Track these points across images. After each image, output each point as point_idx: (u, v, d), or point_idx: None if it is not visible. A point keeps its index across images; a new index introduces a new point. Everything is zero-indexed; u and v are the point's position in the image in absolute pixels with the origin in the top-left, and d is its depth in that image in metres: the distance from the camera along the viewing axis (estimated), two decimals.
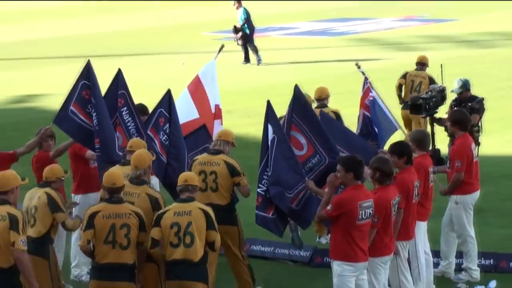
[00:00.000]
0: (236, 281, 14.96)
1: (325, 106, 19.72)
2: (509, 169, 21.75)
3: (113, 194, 12.73)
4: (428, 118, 21.14)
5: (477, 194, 15.56)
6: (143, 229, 12.70)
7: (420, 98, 21.30)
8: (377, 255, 12.75)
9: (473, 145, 15.83)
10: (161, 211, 12.78)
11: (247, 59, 39.51)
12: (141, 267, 13.00)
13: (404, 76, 24.26)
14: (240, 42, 39.59)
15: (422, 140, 14.74)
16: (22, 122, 21.69)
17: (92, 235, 12.52)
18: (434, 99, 20.93)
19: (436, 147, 20.60)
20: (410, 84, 23.27)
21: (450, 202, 15.38)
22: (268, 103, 14.71)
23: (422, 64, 24.51)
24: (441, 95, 21.20)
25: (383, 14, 56.48)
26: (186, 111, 18.00)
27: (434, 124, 20.97)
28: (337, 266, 12.44)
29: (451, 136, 16.39)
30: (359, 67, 19.17)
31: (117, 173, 13.21)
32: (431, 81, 23.08)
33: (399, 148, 13.84)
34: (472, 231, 15.33)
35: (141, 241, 12.66)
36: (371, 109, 17.54)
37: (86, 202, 15.49)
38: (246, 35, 39.79)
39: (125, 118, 16.32)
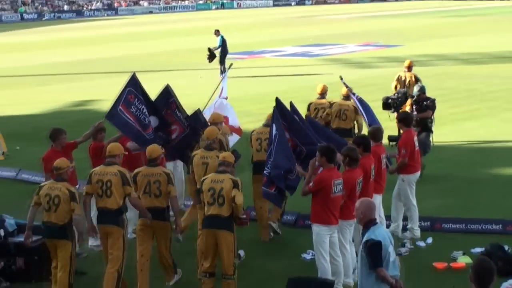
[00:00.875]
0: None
1: (324, 98, 20.19)
2: (443, 154, 21.45)
3: (150, 162, 13.52)
4: (395, 112, 21.02)
5: (417, 174, 15.69)
6: (170, 183, 13.38)
7: (389, 98, 21.78)
8: (345, 219, 13.03)
9: (415, 137, 16.04)
10: (203, 178, 13.19)
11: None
12: (177, 213, 13.59)
13: (398, 78, 24.09)
14: (208, 60, 39.47)
15: (376, 133, 15.10)
16: (81, 120, 21.70)
17: (135, 188, 13.21)
18: (399, 99, 21.61)
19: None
20: (402, 82, 23.31)
21: (398, 179, 15.53)
22: (274, 108, 15.21)
23: (409, 67, 24.23)
24: (404, 96, 21.79)
25: (348, 41, 56.20)
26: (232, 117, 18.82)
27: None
28: (316, 227, 12.76)
29: (398, 131, 16.54)
30: (341, 79, 19.95)
31: (154, 148, 13.78)
32: (416, 78, 23.05)
33: (359, 140, 14.34)
34: (414, 201, 15.50)
35: (169, 191, 13.28)
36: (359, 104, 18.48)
37: None
38: (214, 56, 39.61)
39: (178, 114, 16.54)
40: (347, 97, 20.07)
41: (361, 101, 18.82)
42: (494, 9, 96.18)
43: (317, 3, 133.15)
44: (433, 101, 20.75)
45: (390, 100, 21.75)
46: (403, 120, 16.21)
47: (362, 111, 18.32)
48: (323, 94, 20.35)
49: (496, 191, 18.61)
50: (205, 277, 12.99)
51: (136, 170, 13.73)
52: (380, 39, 55.12)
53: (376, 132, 15.24)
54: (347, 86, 19.89)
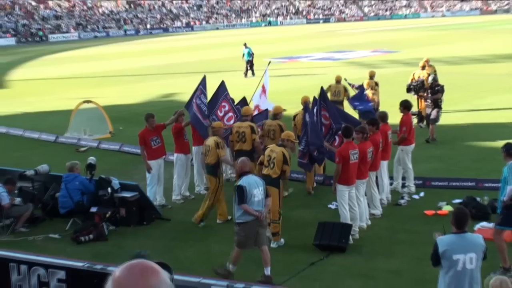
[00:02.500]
0: None
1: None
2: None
3: (242, 117, 15.14)
4: (416, 95, 22.89)
5: (413, 146, 15.47)
6: (253, 132, 14.66)
7: (411, 85, 22.89)
8: (359, 178, 12.90)
9: (413, 118, 16.07)
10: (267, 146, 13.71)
11: (245, 75, 38.37)
12: (260, 153, 14.01)
13: (413, 74, 23.88)
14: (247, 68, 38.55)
15: (383, 116, 14.97)
16: (166, 107, 21.74)
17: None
18: (418, 86, 22.68)
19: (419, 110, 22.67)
20: (417, 78, 23.30)
21: (398, 149, 15.36)
22: (306, 103, 15.51)
23: (423, 66, 23.67)
24: (422, 83, 22.55)
25: (361, 48, 55.92)
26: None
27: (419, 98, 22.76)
28: (339, 186, 12.64)
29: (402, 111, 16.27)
30: (345, 80, 20.43)
31: (247, 108, 15.85)
32: (429, 76, 22.71)
33: (371, 121, 14.16)
34: (410, 165, 15.33)
35: (253, 138, 14.60)
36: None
37: (179, 158, 15.65)
38: (251, 63, 38.79)
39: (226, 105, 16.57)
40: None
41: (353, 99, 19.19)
42: (466, 24, 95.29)
43: (338, 20, 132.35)
44: (442, 86, 21.32)
45: (412, 86, 22.94)
46: (404, 106, 16.04)
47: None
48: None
49: (470, 158, 18.45)
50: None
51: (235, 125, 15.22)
52: (385, 46, 54.65)
53: (384, 115, 15.07)
54: (350, 84, 20.85)
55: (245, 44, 39.70)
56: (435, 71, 24.06)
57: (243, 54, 39.71)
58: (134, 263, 2.62)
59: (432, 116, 20.87)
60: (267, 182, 11.90)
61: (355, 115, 18.52)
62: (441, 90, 21.19)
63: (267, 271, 10.85)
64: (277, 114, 15.87)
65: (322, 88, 16.29)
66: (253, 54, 39.32)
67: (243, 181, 10.94)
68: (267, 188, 11.54)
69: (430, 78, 22.09)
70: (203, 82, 16.12)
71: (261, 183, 11.12)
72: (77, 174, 14.39)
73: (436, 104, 21.00)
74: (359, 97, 20.31)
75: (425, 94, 21.76)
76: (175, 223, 14.15)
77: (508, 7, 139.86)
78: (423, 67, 23.73)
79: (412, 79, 23.55)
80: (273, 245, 12.57)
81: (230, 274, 10.83)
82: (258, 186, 10.97)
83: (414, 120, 18.46)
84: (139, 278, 2.56)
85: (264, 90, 18.95)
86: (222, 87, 16.84)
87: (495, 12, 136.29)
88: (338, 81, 22.69)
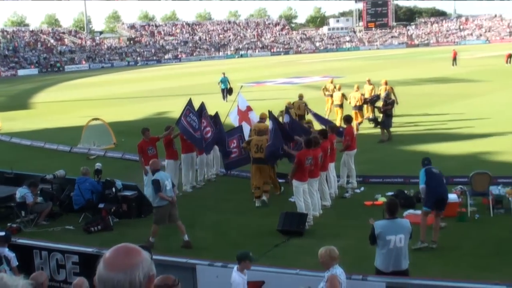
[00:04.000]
0: None
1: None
2: (372, 138, 21.27)
3: (259, 133, 15.02)
4: (372, 106, 24.01)
5: (355, 150, 15.55)
6: None
7: (368, 99, 24.11)
8: (312, 177, 12.98)
9: (354, 130, 16.10)
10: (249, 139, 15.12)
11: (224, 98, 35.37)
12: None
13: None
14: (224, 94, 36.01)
15: (333, 127, 15.20)
16: (159, 123, 21.50)
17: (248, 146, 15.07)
18: (373, 99, 23.81)
19: (376, 117, 23.00)
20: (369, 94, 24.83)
21: (343, 154, 15.43)
22: (270, 112, 15.32)
23: (386, 83, 24.93)
24: (377, 97, 23.71)
25: (314, 74, 56.20)
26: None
27: (375, 108, 23.38)
28: (295, 182, 12.72)
29: (345, 124, 16.39)
30: (306, 105, 20.55)
31: (263, 125, 15.88)
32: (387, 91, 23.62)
33: (322, 132, 14.32)
34: (353, 166, 15.45)
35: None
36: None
37: (169, 163, 15.80)
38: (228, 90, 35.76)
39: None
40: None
41: (315, 115, 18.66)
42: (395, 55, 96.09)
43: (296, 53, 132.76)
44: (392, 101, 22.16)
45: (368, 99, 24.03)
46: (346, 120, 16.16)
47: (317, 118, 18.21)
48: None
49: (400, 160, 18.54)
50: (257, 189, 14.57)
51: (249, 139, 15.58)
52: (332, 73, 55.00)
53: (332, 127, 15.19)
54: (306, 106, 21.01)
55: (223, 74, 38.09)
56: (391, 89, 24.47)
57: (220, 82, 37.31)
58: (120, 245, 2.66)
59: (385, 123, 21.53)
60: (260, 162, 14.50)
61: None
62: (391, 103, 21.93)
63: (186, 237, 11.70)
64: (263, 118, 16.55)
65: (270, 112, 15.48)
66: (228, 82, 36.98)
67: (157, 176, 11.66)
68: (260, 166, 14.42)
69: (383, 94, 23.09)
70: (189, 103, 16.03)
71: (168, 176, 12.14)
72: (88, 177, 14.42)
73: (387, 114, 21.52)
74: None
75: (381, 105, 22.24)
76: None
77: (428, 42, 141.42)
78: (386, 83, 25.02)
79: (369, 93, 24.80)
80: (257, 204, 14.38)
81: (152, 244, 11.36)
82: (167, 179, 11.84)
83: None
84: (124, 256, 2.59)
85: (239, 110, 18.69)
86: (202, 107, 16.74)
87: (417, 45, 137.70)
88: (300, 97, 23.13)
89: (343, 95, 24.41)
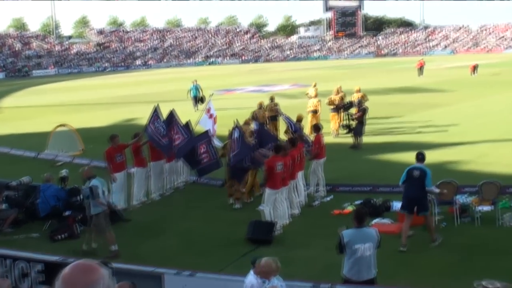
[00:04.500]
0: None
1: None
2: (338, 146, 21.29)
3: None
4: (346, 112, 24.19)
5: (324, 159, 15.58)
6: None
7: (341, 105, 24.31)
8: (283, 185, 12.98)
9: (323, 138, 16.08)
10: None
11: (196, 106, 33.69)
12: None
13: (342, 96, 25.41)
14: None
15: (300, 137, 15.22)
16: (128, 130, 21.15)
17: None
18: (347, 105, 24.14)
19: (350, 124, 23.15)
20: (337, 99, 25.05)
21: (312, 162, 15.42)
22: (236, 121, 15.33)
23: (358, 91, 25.31)
24: (350, 104, 24.01)
25: (284, 83, 56.39)
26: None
27: (348, 115, 23.68)
28: (268, 190, 12.72)
29: (314, 132, 16.44)
30: (281, 114, 20.48)
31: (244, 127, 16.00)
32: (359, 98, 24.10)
33: (291, 141, 14.22)
34: (322, 174, 15.43)
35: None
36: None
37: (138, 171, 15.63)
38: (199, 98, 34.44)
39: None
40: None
41: (287, 118, 18.26)
42: (364, 64, 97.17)
43: (265, 61, 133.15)
44: (364, 109, 22.55)
45: (342, 105, 24.23)
46: (315, 128, 16.21)
47: (290, 123, 18.09)
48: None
49: (369, 168, 18.68)
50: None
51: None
52: (302, 81, 55.33)
53: (300, 135, 15.22)
54: (278, 111, 21.08)
55: (194, 81, 36.61)
56: (364, 96, 25.11)
57: (190, 90, 35.79)
58: (79, 262, 2.60)
59: (357, 130, 21.96)
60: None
61: None
62: (364, 110, 22.40)
63: (114, 247, 11.58)
64: (247, 123, 17.17)
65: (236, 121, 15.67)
66: (200, 90, 35.59)
67: (93, 183, 11.64)
68: None
69: (356, 101, 23.50)
70: (156, 110, 15.93)
71: (104, 182, 12.06)
72: (52, 184, 14.21)
73: (360, 121, 22.01)
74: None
75: (354, 112, 22.80)
76: (135, 223, 13.97)
77: (396, 52, 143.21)
78: (358, 91, 25.38)
79: (339, 100, 24.79)
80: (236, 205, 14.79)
81: (117, 252, 11.43)
82: (104, 185, 11.91)
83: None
84: (83, 274, 2.55)
85: (211, 115, 18.76)
86: (171, 114, 16.66)
87: (385, 55, 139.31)
88: (272, 99, 23.99)
89: (319, 102, 24.86)
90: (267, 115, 22.69)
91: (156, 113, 15.87)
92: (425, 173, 11.49)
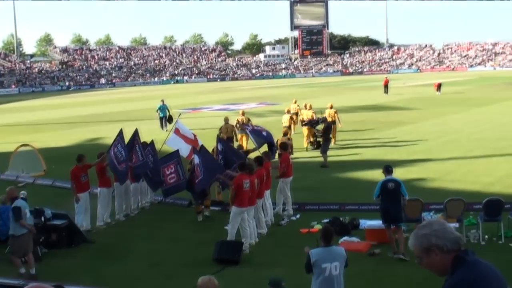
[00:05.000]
0: None
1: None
2: (306, 166, 21.49)
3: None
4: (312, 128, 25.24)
5: (291, 178, 15.60)
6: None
7: (310, 121, 25.16)
8: (250, 204, 12.90)
9: (289, 157, 16.18)
10: None
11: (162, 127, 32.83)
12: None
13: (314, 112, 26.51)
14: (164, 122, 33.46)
15: (266, 155, 15.20)
16: (92, 150, 20.76)
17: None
18: (314, 122, 24.99)
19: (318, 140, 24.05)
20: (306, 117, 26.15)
21: (279, 181, 15.40)
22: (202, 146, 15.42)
23: (331, 106, 26.73)
24: (317, 121, 24.99)
25: (251, 101, 56.55)
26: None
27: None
28: (234, 208, 12.64)
29: (281, 151, 16.51)
30: (247, 127, 20.27)
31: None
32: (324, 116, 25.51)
33: (257, 159, 14.20)
34: (289, 193, 15.43)
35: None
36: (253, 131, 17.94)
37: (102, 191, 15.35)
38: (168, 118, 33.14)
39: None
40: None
41: (253, 131, 18.02)
42: (330, 82, 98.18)
43: (232, 79, 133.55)
44: (327, 126, 23.48)
45: (308, 121, 25.09)
46: (282, 147, 16.22)
47: (253, 138, 17.95)
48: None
49: (336, 186, 18.78)
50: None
51: None
52: (268, 100, 55.46)
53: (267, 154, 15.23)
54: (245, 125, 21.13)
55: (162, 101, 35.84)
56: (335, 113, 26.60)
57: (158, 109, 34.85)
58: (33, 285, 2.55)
59: (322, 147, 22.27)
60: None
61: None
62: (328, 127, 23.28)
63: (33, 271, 11.47)
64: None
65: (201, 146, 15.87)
66: (168, 110, 34.37)
67: (16, 203, 11.50)
68: None
69: (321, 118, 24.75)
70: (120, 134, 15.81)
71: (27, 205, 11.82)
72: (9, 205, 13.86)
73: (326, 137, 22.49)
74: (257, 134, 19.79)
75: (321, 129, 23.78)
76: (99, 245, 13.74)
77: (362, 70, 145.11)
78: (332, 107, 26.83)
79: (311, 117, 25.87)
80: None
81: (35, 276, 11.31)
82: (27, 207, 11.75)
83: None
84: None
85: (183, 136, 18.15)
86: (134, 134, 16.52)
87: (352, 73, 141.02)
88: (226, 121, 24.19)
89: (292, 118, 26.39)
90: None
91: (119, 137, 15.76)
92: (399, 184, 12.02)
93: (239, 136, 24.61)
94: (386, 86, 60.01)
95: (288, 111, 28.95)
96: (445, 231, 3.39)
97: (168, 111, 34.51)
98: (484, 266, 3.42)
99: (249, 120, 25.18)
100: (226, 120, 24.36)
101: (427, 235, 3.37)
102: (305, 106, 27.16)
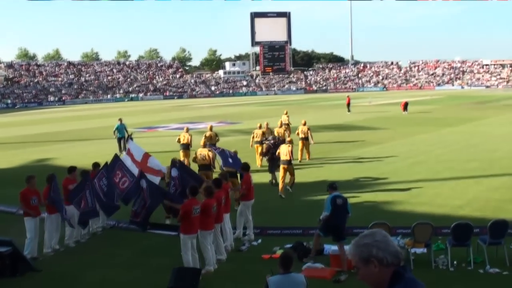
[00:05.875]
0: None
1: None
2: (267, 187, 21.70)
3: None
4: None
5: (252, 201, 15.69)
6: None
7: (266, 139, 24.95)
8: (206, 229, 12.89)
9: (251, 178, 16.32)
10: None
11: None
12: None
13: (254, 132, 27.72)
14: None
15: (224, 176, 15.26)
16: (41, 171, 20.60)
17: None
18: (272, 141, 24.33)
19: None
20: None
21: (240, 204, 15.54)
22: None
23: (304, 123, 28.68)
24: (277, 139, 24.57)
25: (209, 120, 56.45)
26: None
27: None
28: (183, 236, 12.65)
29: (243, 172, 16.59)
30: (211, 146, 20.74)
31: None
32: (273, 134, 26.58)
33: (216, 181, 14.33)
34: (250, 217, 15.45)
35: None
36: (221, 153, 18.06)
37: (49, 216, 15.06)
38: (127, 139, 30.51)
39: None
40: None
41: (221, 152, 18.69)
42: (293, 100, 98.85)
43: (190, 97, 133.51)
44: (274, 144, 23.38)
45: (266, 141, 24.57)
46: (243, 168, 16.28)
47: (220, 158, 18.29)
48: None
49: (299, 209, 18.83)
50: None
51: None
52: (228, 118, 55.68)
53: (224, 176, 15.26)
54: (210, 146, 21.20)
55: (120, 120, 33.43)
56: (308, 130, 28.23)
57: (116, 129, 32.56)
58: None
59: (269, 168, 22.95)
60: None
61: None
62: (275, 145, 23.28)
63: None
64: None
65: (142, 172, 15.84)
66: (126, 130, 32.39)
67: None
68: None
69: (271, 138, 24.92)
70: (106, 166, 15.95)
71: None
72: None
73: (269, 157, 23.10)
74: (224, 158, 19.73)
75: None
76: (46, 273, 13.43)
77: (326, 88, 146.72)
78: (304, 123, 28.61)
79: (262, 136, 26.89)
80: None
81: None
82: None
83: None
84: None
85: (136, 161, 17.99)
86: (115, 159, 16.63)
87: (315, 91, 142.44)
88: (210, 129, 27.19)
89: (264, 134, 27.17)
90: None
91: (104, 170, 15.86)
92: (346, 200, 13.07)
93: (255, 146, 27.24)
94: (348, 104, 61.24)
95: (281, 124, 31.21)
96: (387, 243, 3.39)
97: (127, 131, 32.67)
98: (421, 286, 3.45)
99: (216, 135, 26.81)
100: (211, 128, 27.55)
101: (368, 245, 3.35)
102: (259, 126, 28.31)
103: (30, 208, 14.45)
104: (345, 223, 13.13)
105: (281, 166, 21.09)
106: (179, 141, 27.25)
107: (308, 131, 28.20)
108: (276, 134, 27.48)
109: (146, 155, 18.35)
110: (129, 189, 16.04)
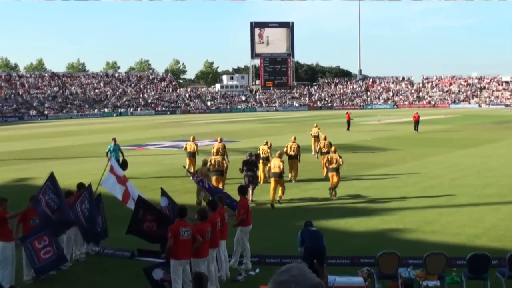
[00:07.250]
0: None
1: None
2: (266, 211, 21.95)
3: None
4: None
5: (250, 226, 15.66)
6: None
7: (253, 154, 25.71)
8: (200, 257, 12.92)
9: (249, 202, 16.30)
10: None
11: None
12: None
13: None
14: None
15: (221, 200, 15.23)
16: (20, 191, 20.65)
17: None
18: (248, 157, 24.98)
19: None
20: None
21: (238, 230, 15.46)
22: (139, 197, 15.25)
23: (294, 139, 29.63)
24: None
25: (205, 138, 56.51)
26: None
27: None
28: (172, 261, 12.58)
29: (239, 195, 16.60)
30: (189, 173, 21.19)
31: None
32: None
33: (210, 203, 14.40)
34: (247, 244, 15.42)
35: None
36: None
37: None
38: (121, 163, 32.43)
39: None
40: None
41: (200, 181, 18.68)
42: (296, 118, 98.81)
43: (184, 112, 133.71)
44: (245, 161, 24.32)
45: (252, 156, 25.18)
46: (240, 190, 16.29)
47: (206, 188, 18.37)
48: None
49: (293, 238, 18.78)
50: None
51: None
52: (224, 136, 55.71)
53: (220, 199, 15.24)
54: (192, 174, 21.46)
55: (114, 140, 31.53)
56: (297, 147, 29.14)
57: (109, 151, 30.33)
58: None
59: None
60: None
61: None
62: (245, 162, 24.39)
63: None
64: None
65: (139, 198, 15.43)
66: (121, 152, 30.86)
67: None
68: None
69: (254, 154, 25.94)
70: (50, 178, 15.50)
71: None
72: None
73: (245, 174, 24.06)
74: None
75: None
76: None
77: (331, 104, 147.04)
78: (294, 139, 29.68)
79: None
80: None
81: None
82: None
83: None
84: None
85: (114, 173, 17.85)
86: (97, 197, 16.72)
87: (320, 108, 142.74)
88: (220, 141, 29.26)
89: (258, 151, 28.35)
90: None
91: (49, 181, 15.42)
92: (319, 231, 13.75)
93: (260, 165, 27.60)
94: (348, 122, 60.99)
95: (312, 135, 38.01)
96: (305, 277, 3.44)
97: (121, 153, 31.09)
98: None
99: (224, 147, 29.11)
100: (221, 139, 29.69)
101: (286, 282, 3.39)
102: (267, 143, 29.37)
103: (6, 232, 14.33)
104: (324, 247, 13.51)
105: (272, 179, 23.55)
106: (185, 149, 31.33)
107: (298, 149, 29.03)
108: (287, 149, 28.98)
109: (125, 178, 18.25)
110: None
